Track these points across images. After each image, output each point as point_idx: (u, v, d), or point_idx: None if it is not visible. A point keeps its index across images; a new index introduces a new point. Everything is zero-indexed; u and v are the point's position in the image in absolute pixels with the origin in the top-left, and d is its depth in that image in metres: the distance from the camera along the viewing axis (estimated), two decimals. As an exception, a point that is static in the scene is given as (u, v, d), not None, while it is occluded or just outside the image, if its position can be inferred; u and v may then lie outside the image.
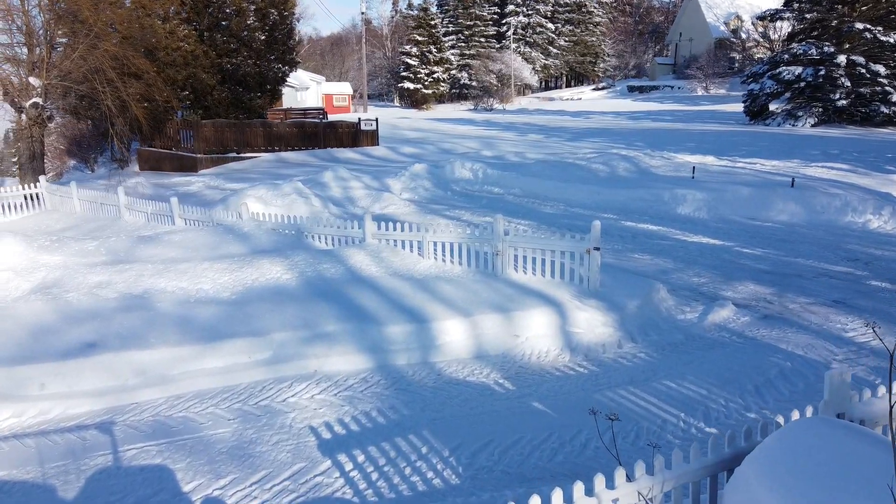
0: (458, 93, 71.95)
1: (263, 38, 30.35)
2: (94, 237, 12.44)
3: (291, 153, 27.51)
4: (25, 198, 17.06)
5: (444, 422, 6.47)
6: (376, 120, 29.68)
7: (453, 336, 7.95)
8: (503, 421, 6.45)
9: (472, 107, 62.91)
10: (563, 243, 9.00)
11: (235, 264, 9.62)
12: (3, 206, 16.77)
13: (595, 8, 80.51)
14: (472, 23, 73.66)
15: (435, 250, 10.11)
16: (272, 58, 31.02)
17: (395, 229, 10.43)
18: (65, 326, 7.96)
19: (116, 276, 9.37)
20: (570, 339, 8.11)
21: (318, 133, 28.90)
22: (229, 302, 8.66)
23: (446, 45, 69.69)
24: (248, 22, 29.76)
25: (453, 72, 69.58)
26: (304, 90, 52.79)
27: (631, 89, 67.96)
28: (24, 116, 17.37)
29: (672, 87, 64.66)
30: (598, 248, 8.75)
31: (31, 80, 16.84)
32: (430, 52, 65.57)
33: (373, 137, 29.22)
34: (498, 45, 73.24)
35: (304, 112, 38.61)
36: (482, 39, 73.51)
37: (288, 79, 34.25)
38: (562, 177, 17.71)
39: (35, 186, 17.19)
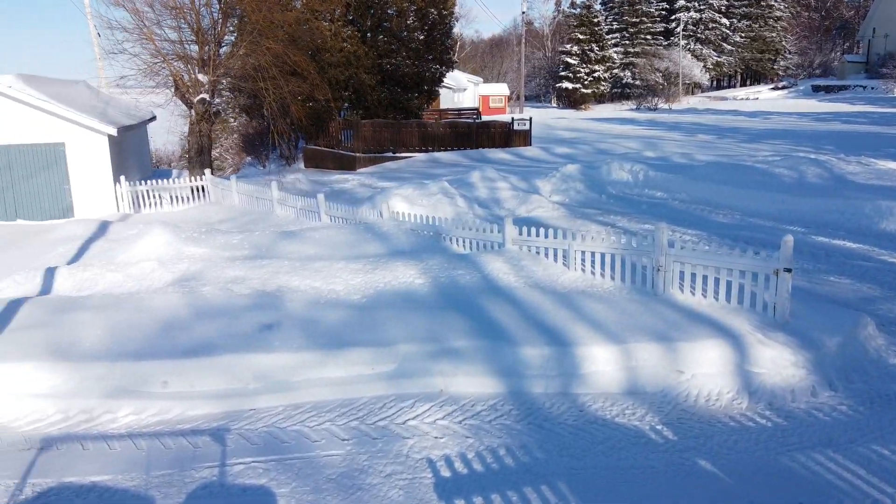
0: (620, 92, 68.99)
1: (422, 38, 30.43)
2: (244, 230, 12.61)
3: (444, 153, 27.26)
4: (192, 190, 18.00)
5: (585, 473, 5.36)
6: (530, 120, 28.66)
7: (601, 365, 6.77)
8: (659, 481, 5.21)
9: (635, 106, 59.86)
10: (744, 261, 7.46)
11: (370, 265, 9.08)
12: (171, 197, 17.81)
13: (776, 2, 73.70)
14: (637, 20, 70.30)
15: (583, 261, 8.93)
16: (430, 58, 31.04)
17: (537, 235, 9.39)
18: (194, 322, 7.79)
19: (253, 272, 9.18)
20: (748, 380, 6.61)
21: (471, 133, 28.43)
22: (358, 306, 8.09)
23: (609, 42, 67.05)
24: (408, 22, 29.97)
25: (615, 70, 66.78)
26: (462, 91, 52.95)
27: (816, 89, 61.27)
28: (192, 112, 18.37)
29: (864, 87, 57.41)
30: (789, 270, 7.13)
31: (200, 76, 17.75)
32: (592, 50, 63.36)
33: (525, 137, 28.24)
34: (665, 43, 69.28)
35: (459, 112, 38.45)
36: (648, 37, 69.92)
37: (444, 79, 34.20)
38: (737, 181, 15.63)
39: (200, 179, 18.09)
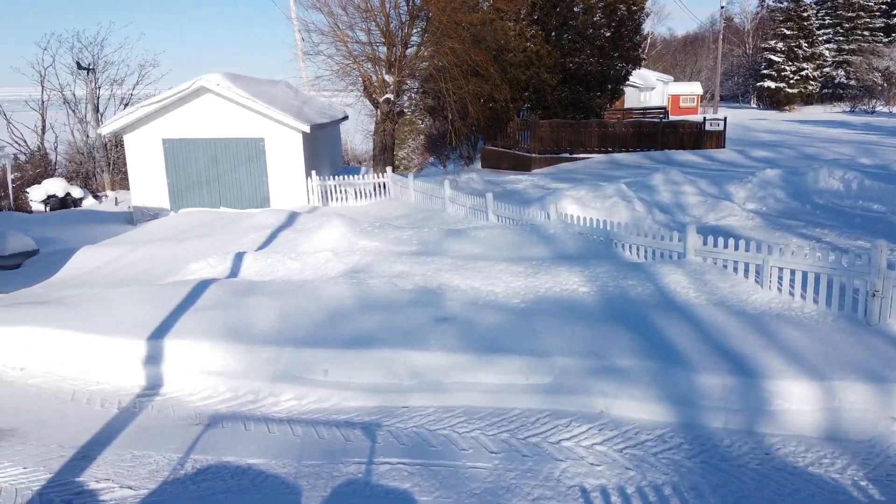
0: (831, 93, 61.81)
1: (608, 34, 29.28)
2: (415, 226, 12.77)
3: (625, 154, 26.00)
4: (375, 186, 18.75)
5: (768, 531, 4.54)
6: (724, 120, 26.41)
7: (795, 403, 5.79)
8: (866, 556, 4.26)
9: (848, 108, 53.35)
10: None
11: (532, 269, 8.66)
12: (356, 192, 18.67)
13: None
14: (853, 14, 62.49)
15: (780, 279, 7.80)
16: (615, 55, 29.79)
17: (725, 246, 8.37)
18: (358, 313, 7.88)
19: (417, 268, 9.16)
20: None
21: (656, 133, 26.83)
22: (516, 310, 7.71)
23: (819, 39, 60.29)
24: (594, 19, 28.98)
25: (826, 69, 59.92)
26: (650, 90, 50.49)
27: None
28: (378, 111, 19.10)
29: None
30: None
31: (386, 77, 18.39)
32: (799, 46, 57.35)
33: (718, 139, 26.08)
34: (886, 40, 60.90)
35: (644, 112, 36.60)
36: (865, 33, 61.88)
37: (630, 77, 32.69)
38: (983, 196, 13.06)
39: (382, 176, 18.78)
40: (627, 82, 32.87)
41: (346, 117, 24.19)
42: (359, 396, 6.76)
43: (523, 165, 27.34)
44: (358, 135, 32.83)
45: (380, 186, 18.75)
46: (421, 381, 6.82)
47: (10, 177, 21.81)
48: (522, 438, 5.91)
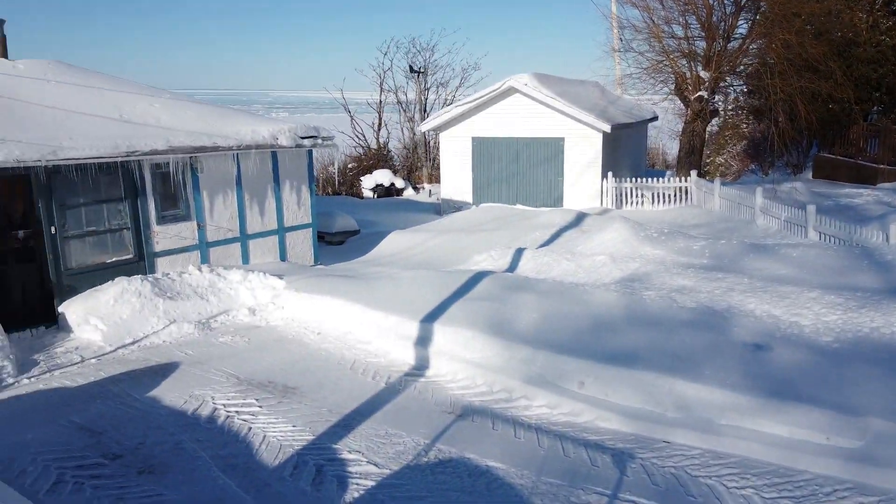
0: None
1: None
2: (712, 237, 11.44)
3: None
4: (676, 191, 17.45)
5: None
6: None
7: None
8: None
9: None
10: None
11: (855, 302, 7.00)
12: (654, 196, 17.58)
13: None
14: None
15: None
16: None
17: None
18: (625, 327, 7.20)
19: (703, 284, 8.09)
20: None
21: None
22: (826, 351, 6.27)
23: None
24: None
25: None
26: None
27: None
28: (688, 110, 17.67)
29: None
30: None
31: (701, 73, 16.87)
32: None
33: None
34: None
35: None
36: None
37: None
38: None
39: (685, 180, 17.37)
40: None
41: (654, 118, 22.99)
42: (614, 418, 6.13)
43: (866, 177, 23.01)
44: (666, 136, 31.04)
45: (681, 191, 17.38)
46: (688, 415, 5.93)
47: (337, 166, 25.32)
48: (810, 512, 4.72)
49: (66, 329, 8.81)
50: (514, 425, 6.18)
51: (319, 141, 11.87)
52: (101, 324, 8.54)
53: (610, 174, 17.92)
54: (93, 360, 7.87)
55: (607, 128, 17.34)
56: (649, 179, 17.79)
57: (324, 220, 15.09)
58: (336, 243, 15.22)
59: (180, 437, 5.93)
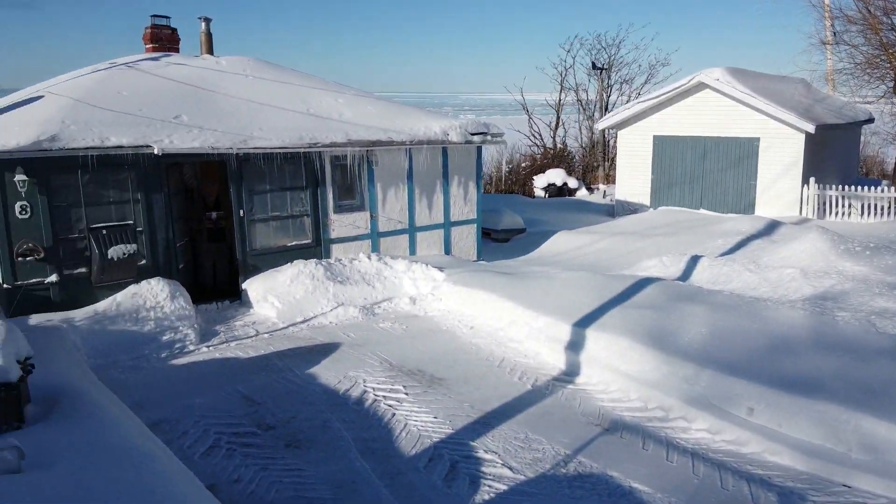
0: None
1: None
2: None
3: None
4: (891, 202, 15.20)
5: None
6: None
7: None
8: None
9: None
10: None
11: None
12: (864, 207, 15.46)
13: None
14: None
15: None
16: None
17: None
18: (808, 350, 6.31)
19: (916, 310, 6.88)
20: None
21: None
22: None
23: None
24: None
25: None
26: None
27: None
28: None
29: None
30: None
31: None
32: None
33: None
34: None
35: None
36: None
37: None
38: None
39: (904, 191, 15.06)
40: None
41: (869, 119, 20.26)
42: (786, 452, 5.38)
43: None
44: (883, 141, 27.19)
45: (897, 202, 15.08)
46: (876, 458, 5.04)
47: (504, 165, 25.23)
48: None
49: (247, 304, 9.61)
50: (668, 447, 5.66)
51: (489, 137, 11.86)
52: (278, 302, 9.19)
53: (812, 180, 16.02)
54: (265, 335, 8.50)
55: (811, 128, 15.49)
56: (861, 188, 15.64)
57: (490, 216, 15.10)
58: (501, 240, 15.17)
59: (329, 416, 6.16)
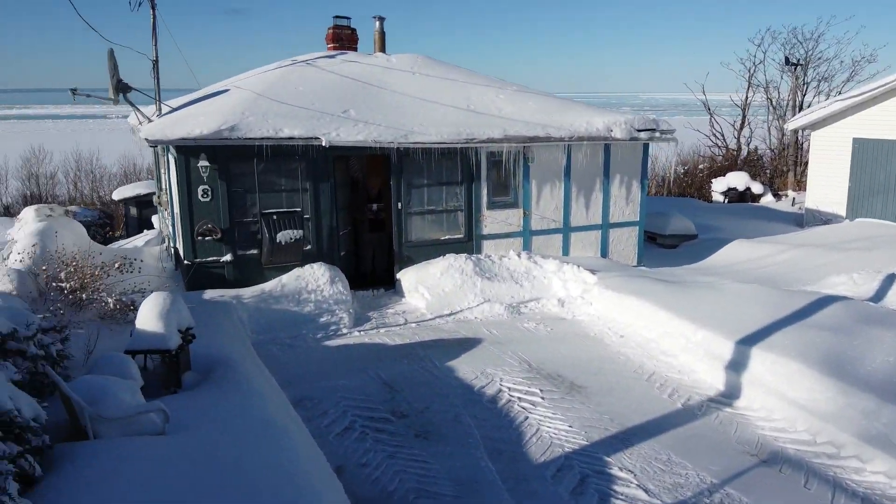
0: None
1: None
2: None
3: None
4: None
5: None
6: None
7: None
8: None
9: None
10: None
11: None
12: None
13: None
14: None
15: None
16: None
17: None
18: None
19: None
20: None
21: None
22: None
23: None
24: None
25: None
26: None
27: None
28: None
29: None
30: None
31: None
32: None
33: None
34: None
35: None
36: None
37: None
38: None
39: None
40: None
41: None
42: None
43: None
44: None
45: None
46: None
47: (677, 167, 23.60)
48: None
49: (399, 294, 9.87)
50: (835, 488, 4.92)
51: (657, 134, 11.15)
52: (427, 293, 9.33)
53: None
54: (413, 325, 8.65)
55: None
56: None
57: (656, 220, 14.26)
58: (668, 246, 14.28)
59: (461, 411, 6.10)
